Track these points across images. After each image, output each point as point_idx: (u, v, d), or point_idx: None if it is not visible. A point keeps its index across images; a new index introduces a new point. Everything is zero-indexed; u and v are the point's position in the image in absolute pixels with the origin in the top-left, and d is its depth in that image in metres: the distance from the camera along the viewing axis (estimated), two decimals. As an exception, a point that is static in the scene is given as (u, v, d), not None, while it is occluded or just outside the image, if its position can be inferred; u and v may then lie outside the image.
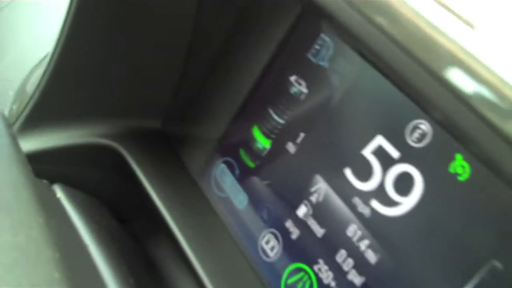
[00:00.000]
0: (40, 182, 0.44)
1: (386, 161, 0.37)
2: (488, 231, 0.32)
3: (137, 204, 0.54)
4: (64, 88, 0.45)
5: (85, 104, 0.47)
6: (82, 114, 0.48)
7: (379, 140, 0.38)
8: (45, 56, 0.48)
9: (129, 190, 0.50)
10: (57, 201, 0.45)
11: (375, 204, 0.37)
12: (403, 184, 0.36)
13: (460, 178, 0.34)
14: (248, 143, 0.47)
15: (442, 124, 0.35)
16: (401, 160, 0.37)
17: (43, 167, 0.47)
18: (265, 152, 0.45)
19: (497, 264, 0.31)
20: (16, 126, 0.46)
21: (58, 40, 0.44)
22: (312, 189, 0.41)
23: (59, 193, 0.46)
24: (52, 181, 0.47)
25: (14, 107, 0.47)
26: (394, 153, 0.37)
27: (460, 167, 0.34)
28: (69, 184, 0.48)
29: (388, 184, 0.37)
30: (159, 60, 0.49)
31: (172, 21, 0.47)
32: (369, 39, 0.31)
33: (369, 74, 0.39)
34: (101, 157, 0.49)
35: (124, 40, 0.46)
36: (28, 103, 0.45)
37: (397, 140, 0.37)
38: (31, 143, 0.46)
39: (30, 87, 0.46)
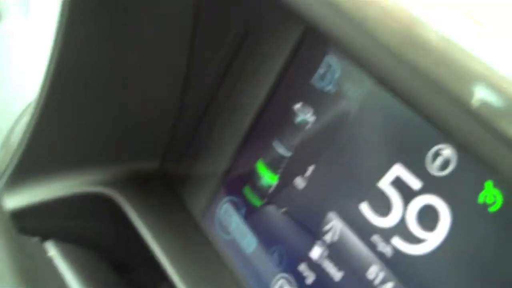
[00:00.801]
0: (29, 240, 0.41)
1: (407, 193, 0.33)
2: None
3: (138, 252, 0.50)
4: (52, 136, 0.42)
5: (75, 151, 0.44)
6: (72, 163, 0.44)
7: (397, 170, 0.34)
8: (29, 105, 0.45)
9: (129, 239, 0.47)
10: (48, 260, 0.41)
11: (397, 241, 0.33)
12: (428, 218, 0.32)
13: (491, 209, 0.30)
14: (253, 180, 0.43)
15: (468, 148, 0.31)
16: (423, 191, 0.33)
17: (35, 223, 0.44)
18: (272, 188, 0.41)
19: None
20: (2, 182, 0.42)
21: (43, 87, 0.41)
22: (326, 228, 0.37)
23: (52, 250, 0.42)
24: (45, 237, 0.43)
25: (-1, 161, 0.44)
26: (415, 183, 0.33)
27: (491, 196, 0.30)
28: (64, 238, 0.44)
29: (411, 219, 0.33)
30: (152, 99, 0.45)
31: (165, 55, 0.44)
32: (380, 61, 0.28)
33: (381, 97, 0.35)
34: (96, 207, 0.45)
35: (113, 80, 0.43)
36: (13, 156, 0.41)
37: (418, 168, 0.33)
38: (20, 199, 0.42)
39: (15, 138, 0.42)
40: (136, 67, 0.43)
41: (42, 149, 0.42)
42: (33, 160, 0.42)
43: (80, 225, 0.46)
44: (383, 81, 0.34)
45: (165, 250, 0.43)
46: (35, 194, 0.43)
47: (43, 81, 0.41)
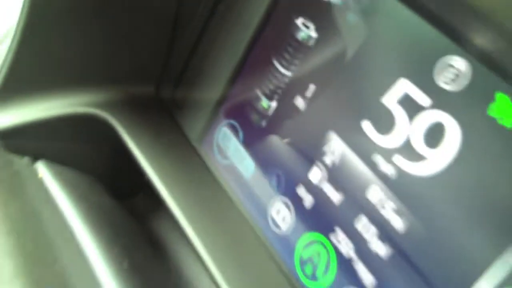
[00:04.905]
0: (18, 160, 0.39)
1: (413, 109, 0.31)
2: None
3: (135, 178, 0.49)
4: (40, 53, 0.40)
5: (67, 70, 0.42)
6: (63, 83, 0.42)
7: (404, 84, 0.31)
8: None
9: (125, 164, 0.45)
10: (39, 181, 0.40)
11: (400, 161, 0.31)
12: (435, 135, 0.30)
13: (504, 123, 0.27)
14: (251, 102, 0.41)
15: (483, 58, 0.28)
16: (431, 106, 0.30)
17: (25, 144, 0.42)
18: (272, 110, 0.39)
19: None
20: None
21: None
22: (326, 149, 0.35)
23: (42, 170, 0.41)
24: (36, 159, 0.42)
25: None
26: (423, 98, 0.31)
27: (504, 109, 0.28)
28: (56, 160, 0.43)
29: (416, 137, 0.31)
30: (146, 17, 0.43)
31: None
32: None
33: (389, 6, 0.32)
34: (90, 129, 0.44)
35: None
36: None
37: (426, 82, 0.31)
38: (8, 117, 0.41)
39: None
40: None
41: (29, 66, 0.40)
42: (21, 77, 0.40)
43: (73, 148, 0.44)
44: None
45: (161, 175, 0.41)
46: (24, 114, 0.42)
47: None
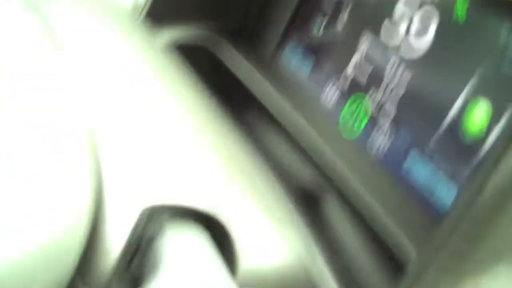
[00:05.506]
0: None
1: (413, 7, 0.49)
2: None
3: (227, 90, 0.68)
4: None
5: (181, 11, 0.62)
6: (179, 19, 0.63)
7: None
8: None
9: (221, 79, 0.64)
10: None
11: (402, 51, 0.49)
12: (421, 31, 0.48)
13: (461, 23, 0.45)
14: (308, 26, 0.60)
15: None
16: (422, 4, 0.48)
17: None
18: (323, 28, 0.58)
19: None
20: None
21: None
22: (361, 41, 0.54)
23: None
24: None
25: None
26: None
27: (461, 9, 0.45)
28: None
29: (411, 34, 0.49)
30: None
31: None
32: None
33: None
34: (198, 56, 0.64)
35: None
36: (141, 10, 0.60)
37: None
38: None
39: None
40: None
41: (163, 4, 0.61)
42: (157, 12, 0.61)
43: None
44: None
45: (251, 84, 0.60)
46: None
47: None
